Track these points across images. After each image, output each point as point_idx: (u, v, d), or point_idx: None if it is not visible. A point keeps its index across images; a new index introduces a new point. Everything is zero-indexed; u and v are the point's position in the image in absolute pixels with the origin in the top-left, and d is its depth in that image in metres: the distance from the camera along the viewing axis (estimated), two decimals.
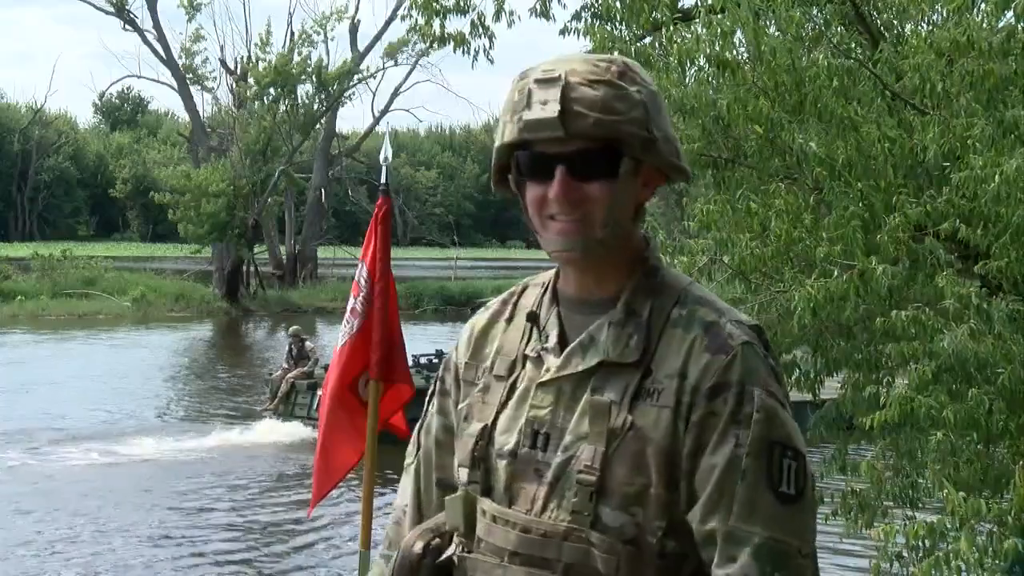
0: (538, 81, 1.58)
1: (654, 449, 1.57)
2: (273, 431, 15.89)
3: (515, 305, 1.77)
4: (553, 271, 1.75)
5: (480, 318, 1.80)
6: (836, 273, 5.22)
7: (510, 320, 1.76)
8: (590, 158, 1.57)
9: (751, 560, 1.51)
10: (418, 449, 1.84)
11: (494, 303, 1.81)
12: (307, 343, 17.70)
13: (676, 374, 1.59)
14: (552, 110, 1.55)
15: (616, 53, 5.93)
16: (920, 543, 4.96)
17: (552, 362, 1.66)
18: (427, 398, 1.86)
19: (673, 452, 1.57)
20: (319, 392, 16.00)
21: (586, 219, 1.59)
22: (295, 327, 18.54)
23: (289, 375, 16.88)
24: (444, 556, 1.70)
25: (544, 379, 1.66)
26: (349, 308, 5.13)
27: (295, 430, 15.92)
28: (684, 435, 1.57)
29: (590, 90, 1.56)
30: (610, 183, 1.59)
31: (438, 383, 1.82)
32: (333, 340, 6.01)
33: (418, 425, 1.86)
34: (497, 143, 1.65)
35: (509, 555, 1.62)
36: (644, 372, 1.61)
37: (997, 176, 4.84)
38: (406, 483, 1.86)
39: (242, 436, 15.68)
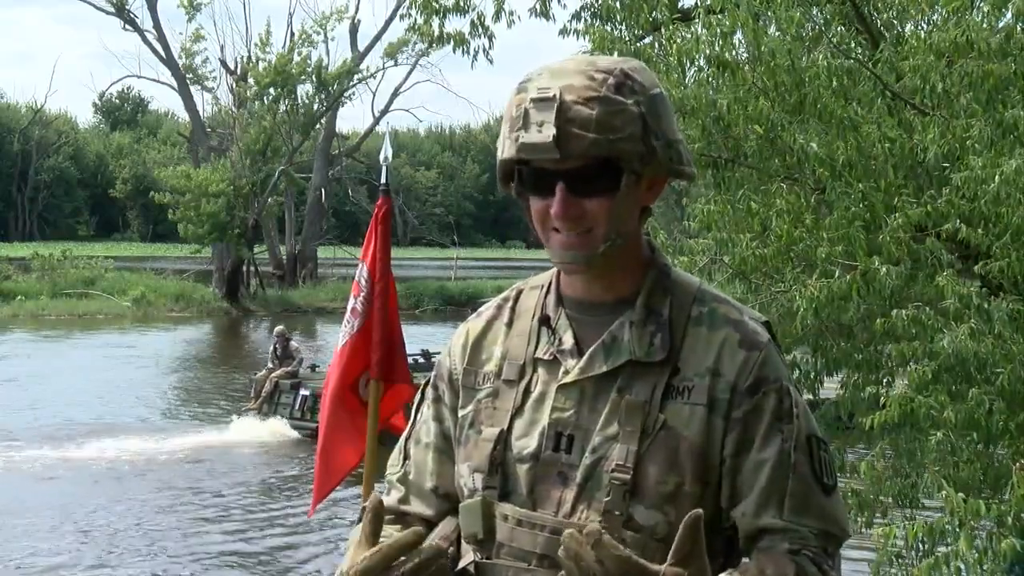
0: (535, 101, 1.57)
1: (687, 447, 1.59)
2: (257, 430, 15.92)
3: (513, 309, 1.75)
4: (551, 273, 1.75)
5: (474, 324, 1.78)
6: (838, 273, 5.23)
7: (510, 324, 1.74)
8: (589, 175, 1.57)
9: (812, 546, 1.57)
10: (406, 459, 1.81)
11: (487, 308, 1.79)
12: (292, 343, 17.75)
13: (708, 372, 1.61)
14: (548, 134, 1.54)
15: (615, 54, 5.95)
16: (920, 543, 4.96)
17: (571, 364, 1.65)
18: (415, 407, 1.83)
19: (707, 449, 1.59)
20: (302, 391, 16.18)
21: (589, 234, 1.59)
22: (280, 327, 18.65)
23: (273, 374, 16.91)
24: (462, 564, 1.68)
25: (566, 381, 1.65)
26: (349, 308, 5.13)
27: (279, 429, 15.95)
28: (725, 432, 1.59)
29: (585, 109, 1.54)
30: (610, 198, 1.58)
31: (430, 391, 1.80)
32: (333, 340, 6.01)
33: (405, 435, 1.83)
34: (499, 156, 1.65)
35: (537, 558, 1.61)
36: (672, 370, 1.62)
37: (997, 177, 4.84)
38: (393, 494, 1.81)
39: (227, 436, 15.68)
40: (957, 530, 4.72)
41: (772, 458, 1.58)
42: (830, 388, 6.56)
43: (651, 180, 1.64)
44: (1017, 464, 4.94)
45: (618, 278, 1.67)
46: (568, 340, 1.67)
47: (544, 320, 1.70)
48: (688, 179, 1.68)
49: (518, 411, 1.67)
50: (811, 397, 6.32)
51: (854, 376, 5.91)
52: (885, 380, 5.74)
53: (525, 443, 1.65)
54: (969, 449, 5.44)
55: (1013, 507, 4.75)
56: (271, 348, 17.72)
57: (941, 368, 4.96)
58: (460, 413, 1.74)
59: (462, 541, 1.71)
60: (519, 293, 1.78)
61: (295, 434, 15.85)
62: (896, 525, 5.13)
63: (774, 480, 1.58)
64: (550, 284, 1.73)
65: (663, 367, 1.62)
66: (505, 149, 1.62)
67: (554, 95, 1.55)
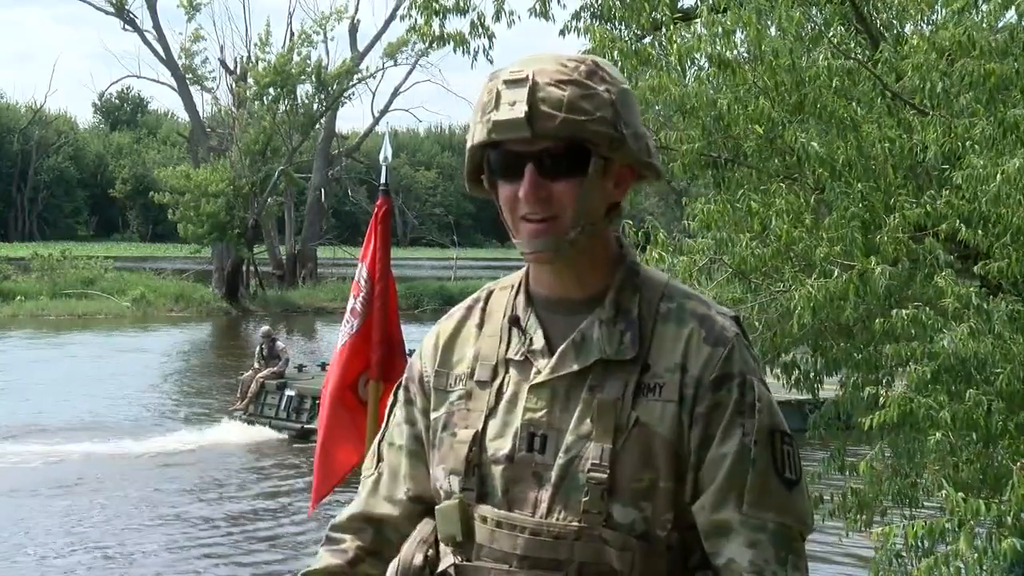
0: (506, 82, 1.59)
1: (661, 443, 1.59)
2: (243, 431, 15.96)
3: (484, 310, 1.75)
4: (521, 272, 1.75)
5: (445, 325, 1.78)
6: (836, 273, 5.23)
7: (481, 325, 1.74)
8: (558, 157, 1.58)
9: (769, 545, 1.56)
10: (379, 461, 1.81)
11: (457, 309, 1.79)
12: (278, 343, 17.81)
13: (676, 368, 1.61)
14: (519, 111, 1.56)
15: (616, 53, 5.95)
16: (919, 543, 4.96)
17: (542, 364, 1.65)
18: (388, 409, 1.84)
19: (679, 445, 1.59)
20: (288, 392, 16.19)
21: (556, 219, 1.59)
22: (265, 327, 18.78)
23: (259, 375, 16.91)
24: (442, 567, 1.69)
25: (537, 381, 1.65)
26: (349, 308, 5.13)
27: (265, 430, 16.00)
28: (690, 428, 1.60)
29: (557, 90, 1.57)
30: (578, 181, 1.59)
31: (402, 393, 1.81)
32: (333, 340, 6.00)
33: (378, 437, 1.84)
34: (468, 144, 1.66)
35: (518, 560, 1.61)
36: (642, 368, 1.62)
37: (998, 176, 4.84)
38: (361, 497, 1.83)
39: (214, 436, 15.68)
40: (957, 530, 4.72)
41: (732, 452, 1.58)
42: (830, 388, 6.56)
43: (619, 175, 1.65)
44: (1017, 464, 4.94)
45: (587, 273, 1.67)
46: (539, 340, 1.67)
47: (514, 320, 1.70)
48: (656, 176, 1.69)
49: (491, 412, 1.67)
50: (810, 397, 6.33)
51: (853, 376, 5.91)
52: (885, 380, 5.73)
53: (499, 444, 1.65)
54: (969, 449, 5.43)
55: (1013, 507, 4.75)
56: (257, 348, 17.75)
57: (940, 368, 4.96)
58: (432, 416, 1.74)
59: (440, 544, 1.71)
60: (489, 294, 1.78)
61: (281, 434, 15.90)
62: (896, 525, 5.13)
63: (733, 474, 1.58)
64: (520, 283, 1.73)
65: (633, 365, 1.62)
66: (476, 135, 1.63)
67: (527, 76, 1.58)
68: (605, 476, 1.58)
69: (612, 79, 1.62)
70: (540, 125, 1.56)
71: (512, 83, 1.58)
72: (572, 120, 1.56)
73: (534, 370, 1.66)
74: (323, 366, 17.10)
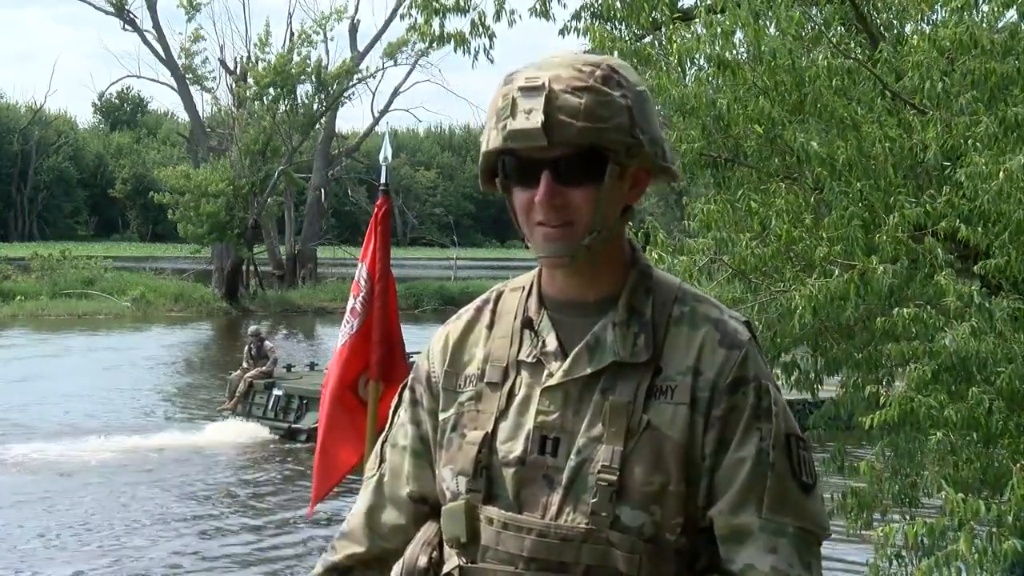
0: (522, 89, 1.57)
1: (672, 447, 1.59)
2: (232, 431, 15.96)
3: (494, 311, 1.75)
4: (533, 274, 1.74)
5: (454, 326, 1.78)
6: (836, 273, 5.22)
7: (491, 326, 1.73)
8: (575, 164, 1.57)
9: (791, 550, 1.57)
10: (382, 462, 1.81)
11: (466, 311, 1.79)
12: (266, 343, 17.81)
13: (689, 371, 1.61)
14: (536, 120, 1.55)
15: (615, 53, 5.95)
16: (919, 543, 4.95)
17: (555, 366, 1.65)
18: (392, 410, 1.83)
19: (691, 448, 1.59)
20: (276, 391, 16.16)
21: (572, 225, 1.59)
22: (254, 327, 18.81)
23: (248, 375, 16.93)
24: (446, 569, 1.68)
25: (550, 384, 1.64)
26: (349, 308, 5.13)
27: (254, 430, 15.99)
28: (704, 431, 1.59)
29: (573, 98, 1.56)
30: (595, 188, 1.58)
31: (407, 393, 1.80)
32: (333, 340, 6.00)
33: (382, 438, 1.83)
34: (483, 148, 1.64)
35: (525, 562, 1.60)
36: (655, 370, 1.62)
37: (1000, 173, 4.84)
38: (365, 501, 1.82)
39: (205, 437, 15.64)
40: (957, 530, 4.71)
41: (750, 456, 1.58)
42: (830, 388, 6.56)
43: (635, 178, 1.65)
44: (1017, 464, 4.93)
45: (600, 276, 1.66)
46: (551, 342, 1.66)
47: (527, 322, 1.69)
48: (674, 179, 1.69)
49: (502, 414, 1.67)
50: (810, 397, 6.33)
51: (854, 376, 5.91)
52: (885, 380, 5.73)
53: (511, 447, 1.65)
54: (969, 449, 5.43)
55: (1013, 507, 4.75)
56: (245, 348, 17.72)
57: (941, 368, 4.96)
58: (441, 416, 1.73)
59: (444, 545, 1.70)
60: (499, 295, 1.77)
61: (270, 433, 15.93)
62: (896, 525, 5.12)
63: (752, 478, 1.58)
64: (531, 285, 1.73)
65: (646, 367, 1.62)
66: (490, 140, 1.61)
67: (543, 83, 1.57)
68: (615, 478, 1.57)
69: (628, 83, 1.61)
70: (557, 134, 1.55)
71: (528, 90, 1.57)
72: (589, 128, 1.55)
73: (546, 372, 1.65)
74: (312, 366, 17.13)
